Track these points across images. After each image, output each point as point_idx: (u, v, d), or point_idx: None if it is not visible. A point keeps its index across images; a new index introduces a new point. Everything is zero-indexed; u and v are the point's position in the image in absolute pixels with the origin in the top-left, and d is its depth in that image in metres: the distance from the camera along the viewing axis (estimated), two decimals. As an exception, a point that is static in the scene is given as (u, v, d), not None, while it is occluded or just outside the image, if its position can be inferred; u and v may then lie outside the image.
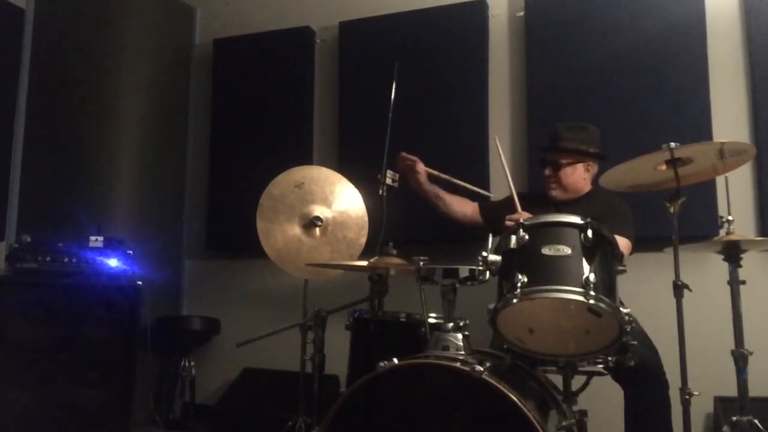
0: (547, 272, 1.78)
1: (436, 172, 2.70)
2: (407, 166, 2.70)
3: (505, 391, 1.56)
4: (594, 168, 2.58)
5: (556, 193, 2.55)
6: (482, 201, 2.80)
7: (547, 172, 2.57)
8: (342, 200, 2.70)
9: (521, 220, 1.86)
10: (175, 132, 3.95)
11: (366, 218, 2.68)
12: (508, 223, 2.30)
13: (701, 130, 2.82)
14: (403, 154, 2.70)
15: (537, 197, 2.65)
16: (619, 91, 3.01)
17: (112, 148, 3.55)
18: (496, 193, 3.01)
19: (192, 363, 3.54)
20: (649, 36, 2.99)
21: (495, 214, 2.71)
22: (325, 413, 1.76)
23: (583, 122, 2.63)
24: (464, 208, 2.78)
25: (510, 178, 2.48)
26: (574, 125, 2.59)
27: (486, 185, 3.11)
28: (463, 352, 1.78)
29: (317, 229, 2.66)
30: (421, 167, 2.70)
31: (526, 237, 1.81)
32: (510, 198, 2.50)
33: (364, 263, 2.21)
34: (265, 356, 3.43)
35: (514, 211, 2.42)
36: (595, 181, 2.58)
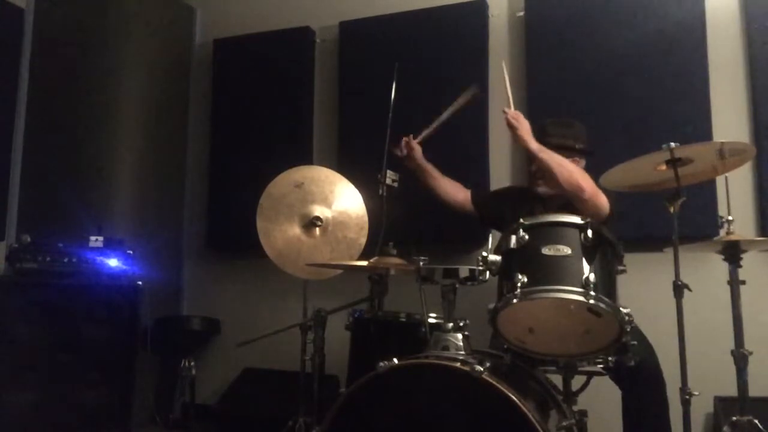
0: (547, 272, 1.78)
1: (425, 132, 2.67)
2: (406, 154, 2.70)
3: (505, 391, 1.56)
4: (580, 163, 2.57)
5: (542, 188, 2.55)
6: (475, 189, 2.81)
7: (534, 167, 2.57)
8: (342, 200, 2.70)
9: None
10: (175, 132, 3.95)
11: (366, 218, 2.68)
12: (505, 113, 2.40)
13: (701, 130, 2.82)
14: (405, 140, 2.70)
15: (524, 192, 2.66)
16: (619, 91, 3.01)
17: (112, 148, 3.55)
18: (495, 186, 3.07)
19: (192, 363, 3.52)
20: (649, 36, 3.00)
21: (486, 204, 2.74)
22: (325, 413, 1.76)
23: (578, 120, 2.62)
24: (456, 193, 2.77)
25: (509, 88, 2.51)
26: (560, 121, 2.59)
27: (486, 184, 3.13)
28: (463, 352, 1.78)
29: (317, 229, 2.66)
30: (415, 145, 2.69)
31: (526, 237, 1.81)
32: (504, 189, 2.64)
33: (364, 263, 2.21)
34: (265, 356, 3.43)
35: (510, 204, 2.54)
36: None
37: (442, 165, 2.79)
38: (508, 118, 2.38)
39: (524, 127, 2.36)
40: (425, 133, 2.68)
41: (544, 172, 2.40)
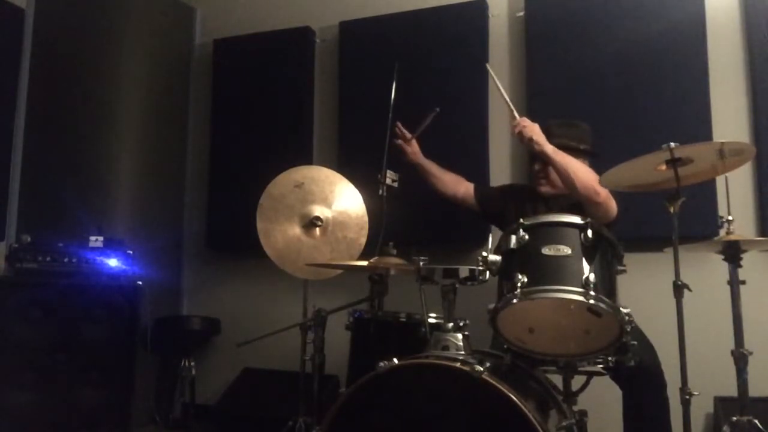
0: (547, 272, 1.78)
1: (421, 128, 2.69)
2: (401, 146, 2.74)
3: (505, 391, 1.56)
4: (584, 164, 2.58)
5: (545, 188, 2.55)
6: (478, 184, 2.81)
7: (537, 167, 2.57)
8: (342, 200, 2.70)
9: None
10: (175, 132, 3.95)
11: (366, 218, 2.68)
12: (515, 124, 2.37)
13: (701, 130, 2.82)
14: (398, 126, 2.73)
15: (526, 191, 2.66)
16: (619, 91, 3.01)
17: (112, 148, 3.55)
18: (495, 182, 3.10)
19: (192, 363, 3.54)
20: (649, 36, 2.99)
21: (489, 199, 2.75)
22: (325, 413, 1.76)
23: (582, 121, 2.62)
24: (457, 187, 2.78)
25: (504, 92, 2.49)
26: (565, 122, 2.58)
27: (486, 183, 3.12)
28: (463, 352, 1.78)
29: (317, 229, 2.66)
30: (413, 144, 2.73)
31: (526, 237, 1.81)
32: (507, 186, 2.76)
33: (364, 263, 2.21)
34: (265, 356, 3.42)
35: (513, 202, 2.57)
36: None
37: (442, 164, 2.80)
38: (519, 130, 2.35)
39: (536, 131, 2.34)
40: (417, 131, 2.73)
41: (558, 175, 2.38)
